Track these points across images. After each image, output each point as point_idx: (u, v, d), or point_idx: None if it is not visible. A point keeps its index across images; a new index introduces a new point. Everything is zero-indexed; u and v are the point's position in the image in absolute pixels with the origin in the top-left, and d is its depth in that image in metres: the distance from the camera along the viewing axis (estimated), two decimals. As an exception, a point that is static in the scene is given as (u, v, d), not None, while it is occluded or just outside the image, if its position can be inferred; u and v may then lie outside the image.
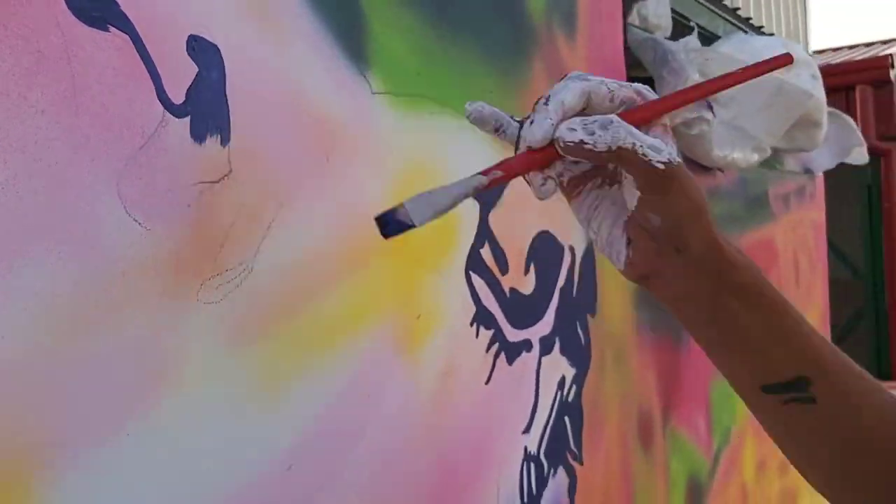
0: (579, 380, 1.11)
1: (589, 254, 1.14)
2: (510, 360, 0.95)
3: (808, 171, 2.53)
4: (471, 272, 0.89)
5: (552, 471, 1.03)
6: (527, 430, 0.98)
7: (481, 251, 0.91)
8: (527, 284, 1.00)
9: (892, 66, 5.60)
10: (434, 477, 0.82)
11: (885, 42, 6.81)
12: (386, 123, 0.76)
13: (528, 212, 1.00)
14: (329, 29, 0.70)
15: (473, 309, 0.89)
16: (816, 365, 0.53)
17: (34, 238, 0.48)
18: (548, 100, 0.46)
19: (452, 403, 0.85)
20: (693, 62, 1.31)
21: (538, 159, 0.45)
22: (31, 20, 0.48)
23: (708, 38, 1.94)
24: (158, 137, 0.55)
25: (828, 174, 2.72)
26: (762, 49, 1.80)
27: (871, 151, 5.66)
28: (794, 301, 2.01)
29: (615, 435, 1.20)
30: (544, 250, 1.03)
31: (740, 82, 0.52)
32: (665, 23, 1.61)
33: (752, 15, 2.60)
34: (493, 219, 0.93)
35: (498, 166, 0.46)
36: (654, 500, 1.32)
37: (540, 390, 1.01)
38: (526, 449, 0.98)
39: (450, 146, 0.86)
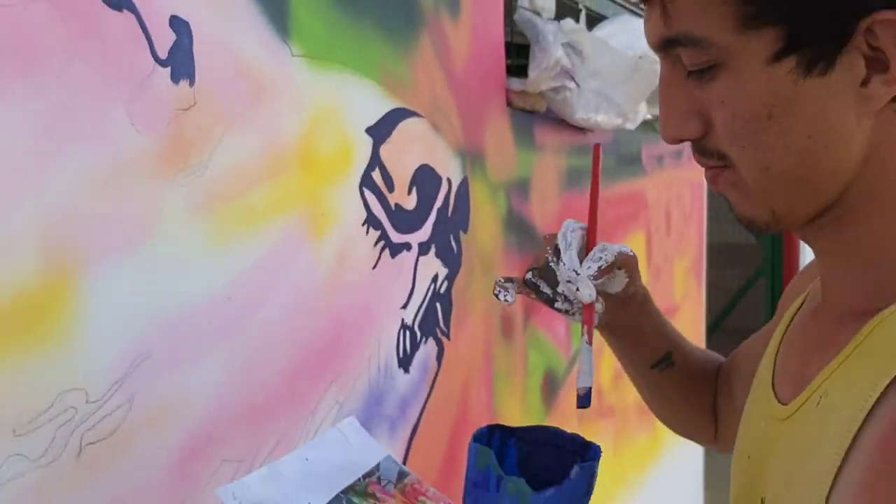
0: (451, 278, 1.47)
1: (463, 185, 1.51)
2: (393, 255, 1.31)
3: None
4: (363, 188, 1.24)
5: (424, 339, 1.40)
6: (404, 306, 1.35)
7: (372, 174, 1.26)
8: (409, 203, 1.35)
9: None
10: (329, 332, 1.17)
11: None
12: (301, 78, 1.11)
13: (411, 149, 1.35)
14: (261, 10, 1.03)
15: (365, 215, 1.25)
16: (674, 343, 0.93)
17: (76, 137, 0.81)
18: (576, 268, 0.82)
19: (346, 280, 1.20)
20: (558, 42, 1.67)
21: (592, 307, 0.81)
22: (79, 6, 0.81)
23: (595, 20, 2.31)
24: (151, 79, 0.89)
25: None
26: (640, 28, 2.17)
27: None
28: (665, 247, 2.49)
29: (479, 324, 1.58)
30: (424, 178, 1.39)
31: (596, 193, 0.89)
32: (549, 5, 1.96)
33: (646, -3, 2.97)
34: (383, 151, 1.28)
35: (589, 336, 0.82)
36: (512, 379, 1.71)
37: (416, 280, 1.37)
38: (402, 320, 1.34)
39: (349, 96, 1.20)
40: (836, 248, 0.62)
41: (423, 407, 1.40)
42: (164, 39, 0.90)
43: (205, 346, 0.96)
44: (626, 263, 0.85)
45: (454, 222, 1.48)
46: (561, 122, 1.87)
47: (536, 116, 1.78)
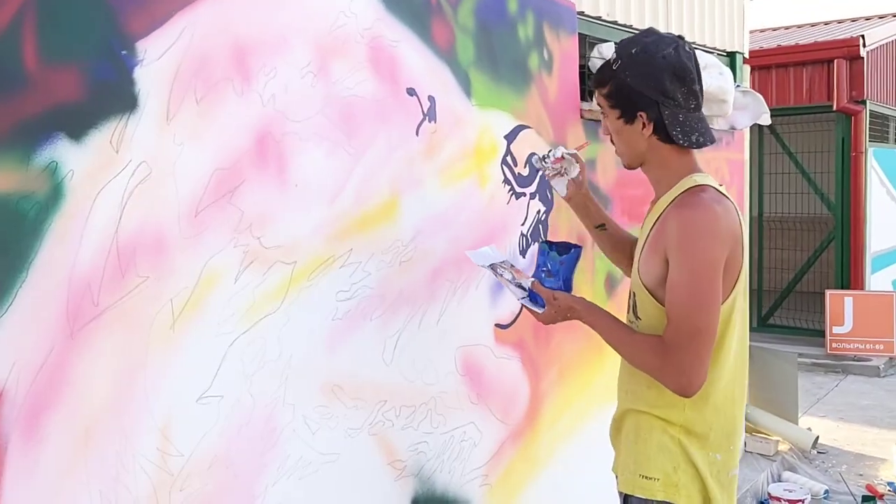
0: (548, 212, 2.78)
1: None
2: (517, 198, 2.64)
3: (732, 129, 4.10)
4: (503, 165, 2.57)
5: (532, 242, 2.72)
6: (522, 223, 2.67)
7: (507, 157, 2.59)
8: (525, 172, 2.68)
9: (863, 45, 6.98)
10: (485, 227, 2.50)
11: (853, 20, 8.13)
12: (475, 114, 2.45)
13: (525, 144, 2.67)
14: (459, 86, 2.37)
15: (502, 177, 2.57)
16: (606, 219, 2.21)
17: (386, 161, 2.17)
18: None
19: (494, 207, 2.53)
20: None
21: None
22: (399, 97, 2.17)
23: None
24: (423, 123, 2.24)
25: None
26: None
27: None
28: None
29: (565, 234, 2.87)
30: (532, 159, 2.71)
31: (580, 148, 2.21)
32: (610, 52, 3.22)
33: (695, 39, 4.13)
34: (513, 146, 2.60)
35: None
36: (585, 277, 3.00)
37: (528, 211, 2.69)
38: (521, 231, 2.66)
39: (496, 121, 2.53)
40: (650, 177, 1.90)
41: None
42: (426, 105, 2.25)
43: (441, 229, 2.31)
44: (577, 160, 2.15)
45: (548, 183, 2.78)
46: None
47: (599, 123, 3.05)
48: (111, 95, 1.53)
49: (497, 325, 2.55)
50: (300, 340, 1.92)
